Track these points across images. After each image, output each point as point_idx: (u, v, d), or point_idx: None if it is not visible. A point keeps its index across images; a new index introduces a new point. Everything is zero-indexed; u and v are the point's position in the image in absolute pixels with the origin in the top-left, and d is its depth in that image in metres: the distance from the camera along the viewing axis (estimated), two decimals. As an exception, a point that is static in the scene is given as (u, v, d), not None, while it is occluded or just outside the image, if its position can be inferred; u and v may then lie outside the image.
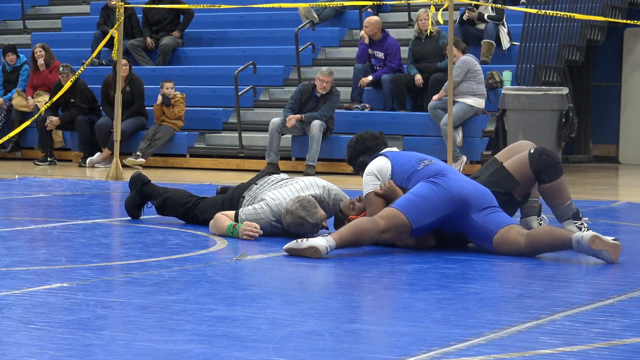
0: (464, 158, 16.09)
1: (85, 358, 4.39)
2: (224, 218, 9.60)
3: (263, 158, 17.62)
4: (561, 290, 6.76)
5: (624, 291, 6.48)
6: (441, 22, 15.55)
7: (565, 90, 15.81)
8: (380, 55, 18.30)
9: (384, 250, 8.70)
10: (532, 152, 8.32)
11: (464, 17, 18.40)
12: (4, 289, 6.18)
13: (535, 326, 5.19)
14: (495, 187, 8.37)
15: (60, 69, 18.76)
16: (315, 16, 20.18)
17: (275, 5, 19.11)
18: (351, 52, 20.39)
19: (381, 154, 8.92)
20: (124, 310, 5.99)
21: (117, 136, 15.78)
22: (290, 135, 17.87)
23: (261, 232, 9.25)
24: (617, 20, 17.29)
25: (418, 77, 17.43)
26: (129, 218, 10.74)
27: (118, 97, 15.73)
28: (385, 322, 5.80)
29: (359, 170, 9.21)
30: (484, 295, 6.62)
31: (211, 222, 9.78)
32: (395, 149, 9.35)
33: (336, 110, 17.91)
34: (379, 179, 8.73)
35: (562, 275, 7.53)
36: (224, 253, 8.27)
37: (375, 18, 18.34)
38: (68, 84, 17.45)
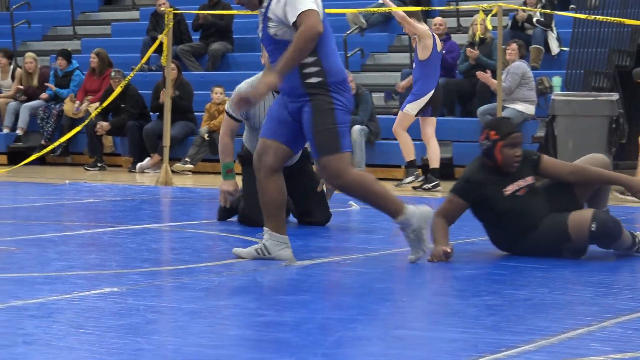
0: None
1: (135, 362, 4.35)
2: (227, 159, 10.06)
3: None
4: (612, 297, 6.59)
5: None
6: (490, 27, 15.59)
7: (615, 96, 15.65)
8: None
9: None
10: (593, 229, 7.77)
11: (516, 17, 18.31)
12: (55, 294, 6.19)
13: (586, 333, 5.12)
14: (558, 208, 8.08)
15: (112, 74, 18.91)
16: (364, 22, 20.24)
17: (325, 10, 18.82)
18: (400, 57, 20.44)
19: None
20: (174, 315, 6.00)
21: (166, 142, 15.90)
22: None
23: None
24: None
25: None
26: (179, 223, 10.89)
27: (167, 102, 15.84)
28: (434, 328, 5.63)
29: None
30: (534, 301, 6.48)
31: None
32: None
33: (384, 116, 17.85)
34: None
35: (613, 282, 7.40)
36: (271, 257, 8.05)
37: (441, 19, 18.31)
38: (118, 90, 17.46)
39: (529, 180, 7.91)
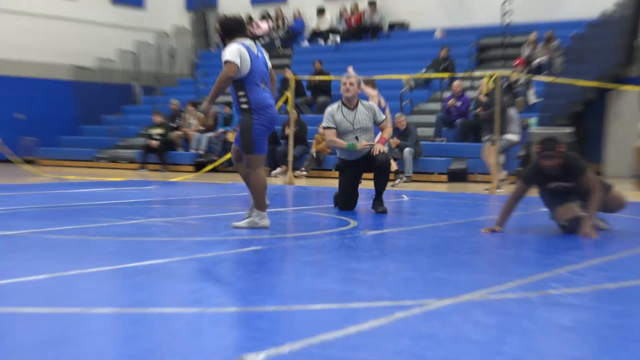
0: (505, 172, 15.69)
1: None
2: (340, 140, 9.52)
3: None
4: (563, 254, 6.47)
5: (604, 255, 6.34)
6: (491, 86, 15.98)
7: (569, 130, 15.87)
8: (458, 104, 18.16)
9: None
10: (562, 224, 7.58)
11: (509, 80, 17.94)
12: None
13: (546, 276, 5.22)
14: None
15: None
16: (412, 83, 19.92)
17: (388, 76, 19.04)
18: (435, 105, 20.16)
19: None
20: (295, 264, 6.02)
21: (290, 157, 16.11)
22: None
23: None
24: (604, 85, 17.29)
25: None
26: (298, 207, 10.77)
27: (291, 134, 16.11)
28: (449, 270, 5.63)
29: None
30: (517, 257, 6.44)
31: (329, 143, 9.99)
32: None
33: (424, 142, 17.72)
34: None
35: (566, 245, 6.98)
36: (355, 229, 7.91)
37: (459, 81, 18.39)
38: None
39: (569, 185, 7.45)
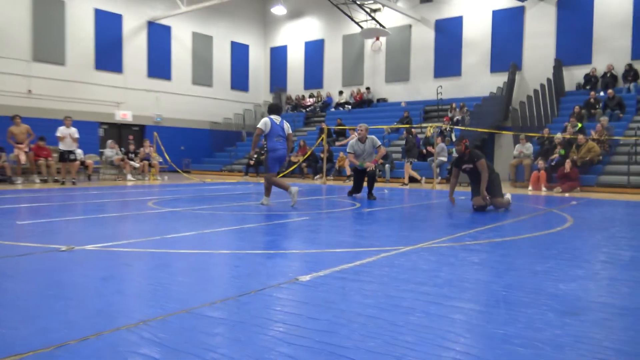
0: (440, 177, 15.65)
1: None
2: (356, 161, 9.27)
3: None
4: (474, 222, 6.07)
5: (494, 223, 6.09)
6: (431, 132, 15.86)
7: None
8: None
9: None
10: (474, 207, 7.08)
11: (442, 129, 17.66)
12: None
13: (466, 233, 5.19)
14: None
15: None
16: (389, 130, 19.27)
17: (376, 126, 18.58)
18: (401, 142, 19.10)
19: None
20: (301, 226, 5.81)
21: (324, 169, 15.57)
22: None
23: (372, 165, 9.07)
24: (492, 131, 17.10)
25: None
26: (328, 197, 9.78)
27: (324, 156, 15.48)
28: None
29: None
30: (448, 224, 6.16)
31: (351, 161, 9.41)
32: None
33: (395, 161, 17.20)
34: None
35: (484, 216, 6.52)
36: (359, 208, 7.50)
37: (413, 130, 18.27)
38: (309, 152, 17.63)
39: (472, 166, 7.11)
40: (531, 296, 2.84)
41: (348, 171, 16.90)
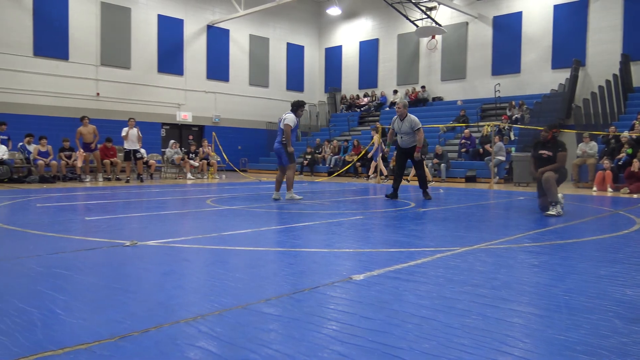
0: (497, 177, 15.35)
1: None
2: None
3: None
4: (534, 223, 5.97)
5: (554, 225, 5.92)
6: (489, 130, 15.42)
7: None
8: (469, 142, 17.27)
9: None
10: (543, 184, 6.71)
11: (500, 127, 16.95)
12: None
13: (520, 236, 4.96)
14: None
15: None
16: (445, 129, 18.98)
17: (432, 125, 18.46)
18: (457, 141, 18.91)
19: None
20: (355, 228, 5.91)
21: (378, 169, 15.65)
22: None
23: None
24: (556, 130, 16.47)
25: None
26: (383, 196, 10.53)
27: (379, 158, 15.55)
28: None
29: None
30: (506, 225, 5.97)
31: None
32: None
33: (451, 160, 16.98)
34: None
35: (536, 217, 6.39)
36: (414, 208, 7.39)
37: (468, 130, 18.03)
38: (363, 152, 17.58)
39: (550, 153, 6.75)
40: (595, 301, 2.72)
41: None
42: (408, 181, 15.18)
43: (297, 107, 8.28)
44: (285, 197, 8.31)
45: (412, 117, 8.81)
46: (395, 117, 8.94)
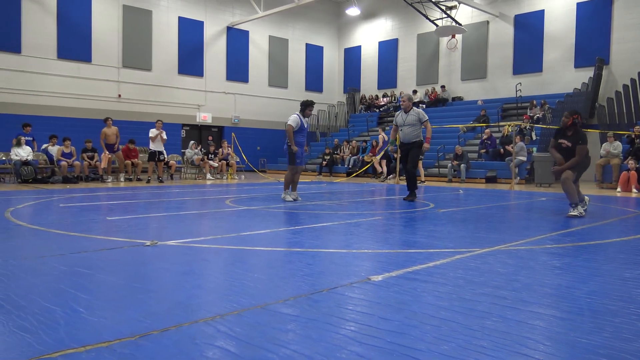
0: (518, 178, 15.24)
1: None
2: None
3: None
4: (556, 224, 5.90)
5: (577, 226, 5.87)
6: (510, 130, 15.24)
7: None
8: (489, 142, 17.10)
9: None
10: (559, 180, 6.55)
11: (520, 127, 16.81)
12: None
13: (543, 237, 4.88)
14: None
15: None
16: (465, 129, 18.85)
17: (451, 125, 18.45)
18: (477, 141, 18.70)
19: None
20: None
21: (397, 170, 15.60)
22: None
23: None
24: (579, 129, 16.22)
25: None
26: (402, 196, 9.88)
27: (397, 158, 15.40)
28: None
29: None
30: (527, 226, 5.90)
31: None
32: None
33: (471, 161, 16.84)
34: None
35: (559, 219, 6.33)
36: (433, 209, 7.33)
37: (488, 130, 17.87)
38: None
39: (570, 144, 6.49)
40: (619, 304, 2.67)
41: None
42: (423, 182, 15.06)
43: (304, 107, 8.17)
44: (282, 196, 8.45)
45: (418, 109, 8.68)
46: (399, 111, 8.80)
